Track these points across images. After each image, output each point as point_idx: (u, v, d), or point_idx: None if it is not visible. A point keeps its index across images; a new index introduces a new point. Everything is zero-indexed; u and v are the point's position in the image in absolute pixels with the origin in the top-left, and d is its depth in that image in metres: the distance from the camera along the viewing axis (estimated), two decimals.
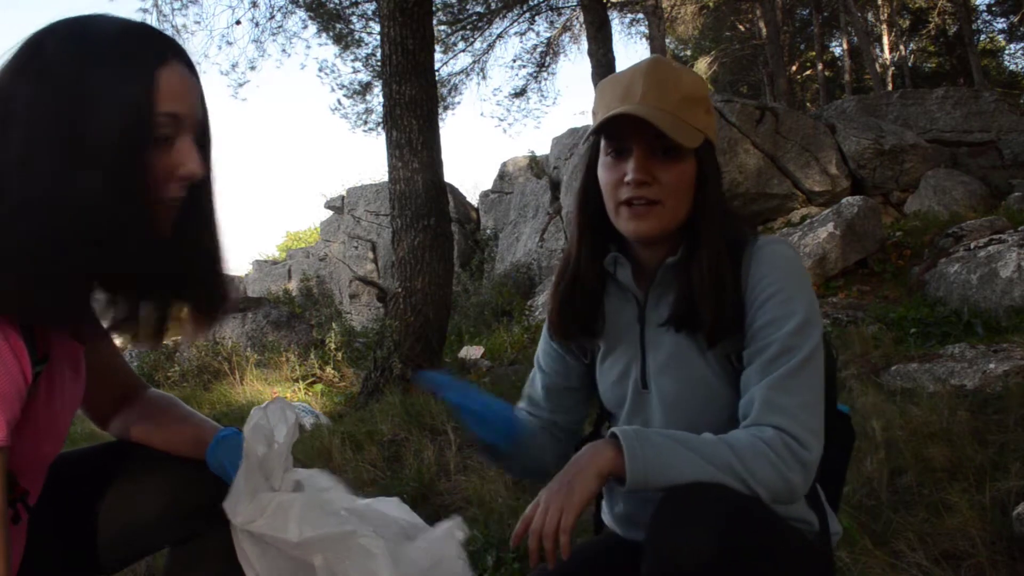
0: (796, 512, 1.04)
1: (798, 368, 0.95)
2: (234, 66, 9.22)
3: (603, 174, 1.06)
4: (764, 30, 17.66)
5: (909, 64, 21.66)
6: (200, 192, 0.96)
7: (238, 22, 8.64)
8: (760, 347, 0.98)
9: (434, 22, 6.75)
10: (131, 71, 0.87)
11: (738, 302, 1.01)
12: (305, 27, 10.43)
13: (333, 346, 6.14)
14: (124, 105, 0.85)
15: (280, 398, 1.09)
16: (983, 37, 21.80)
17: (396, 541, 1.03)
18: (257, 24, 8.80)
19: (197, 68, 0.96)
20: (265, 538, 0.96)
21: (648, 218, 1.02)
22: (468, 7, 11.07)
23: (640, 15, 14.31)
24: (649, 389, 1.09)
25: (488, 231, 11.86)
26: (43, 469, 0.98)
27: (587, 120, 13.89)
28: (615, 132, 1.03)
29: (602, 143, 1.07)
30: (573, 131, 10.58)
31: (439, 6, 10.48)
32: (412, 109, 4.56)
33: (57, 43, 0.86)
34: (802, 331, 0.97)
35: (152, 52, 0.89)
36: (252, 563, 0.97)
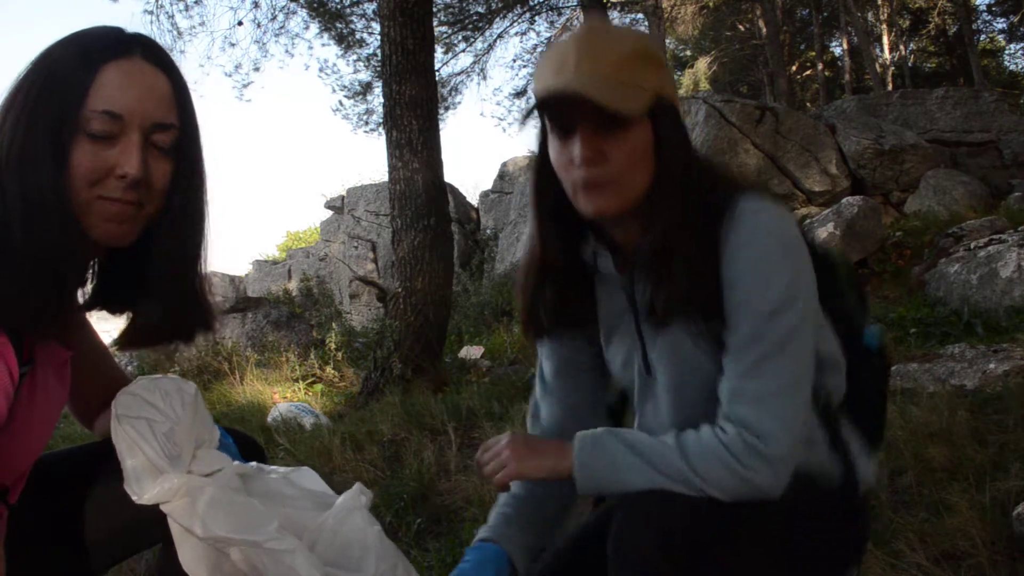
0: (811, 465, 1.00)
1: (769, 354, 0.91)
2: (237, 67, 9.24)
3: (554, 157, 0.98)
4: (764, 30, 17.66)
5: (909, 64, 21.65)
6: (177, 202, 0.94)
7: (240, 23, 8.64)
8: (732, 331, 0.93)
9: (434, 22, 6.75)
10: (75, 66, 0.86)
11: (712, 276, 0.93)
12: (307, 28, 10.44)
13: (333, 346, 6.14)
14: (54, 101, 0.85)
15: (172, 376, 1.06)
16: (983, 37, 21.80)
17: (313, 517, 1.04)
18: (259, 25, 8.81)
19: (177, 71, 0.94)
20: (178, 522, 0.94)
21: (605, 196, 0.94)
22: (468, 7, 11.07)
23: (640, 15, 14.32)
24: (653, 375, 1.06)
25: (488, 231, 11.85)
26: (21, 468, 0.97)
27: None
28: (555, 111, 0.95)
29: (547, 122, 0.98)
30: None
31: (439, 6, 10.48)
32: (412, 109, 4.56)
33: (46, 47, 0.89)
34: (777, 314, 0.90)
35: (106, 48, 0.88)
36: (176, 542, 0.95)
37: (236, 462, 1.06)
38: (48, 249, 0.84)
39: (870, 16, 20.77)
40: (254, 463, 1.10)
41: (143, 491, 0.93)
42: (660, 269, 0.95)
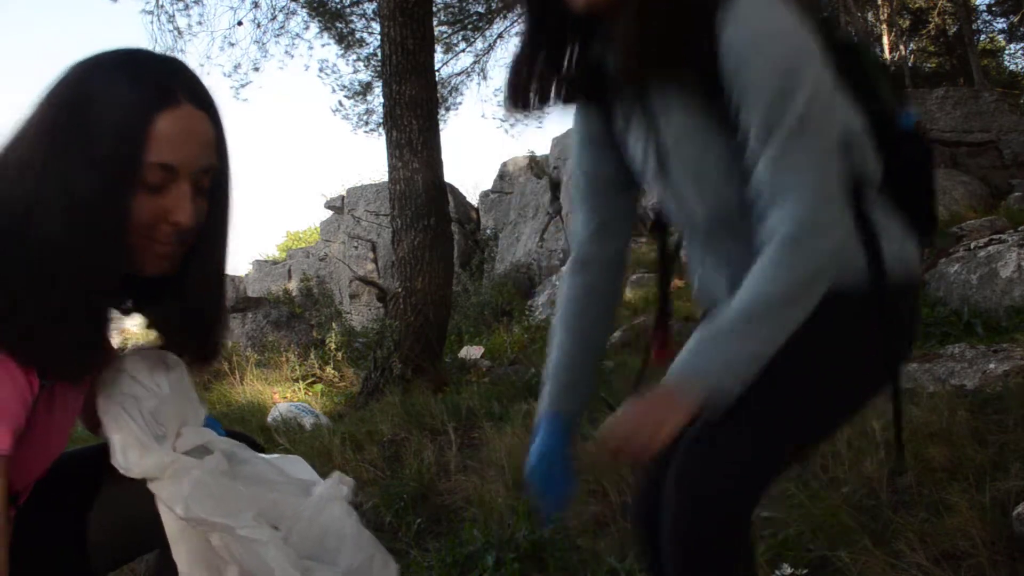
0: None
1: (789, 139, 0.90)
2: (236, 67, 9.21)
3: None
4: None
5: (909, 64, 21.65)
6: (208, 230, 0.98)
7: (240, 23, 8.63)
8: (747, 124, 0.93)
9: (434, 22, 6.76)
10: (128, 116, 0.86)
11: (697, 37, 0.94)
12: (307, 28, 10.43)
13: (333, 346, 6.14)
14: (112, 152, 0.85)
15: (158, 351, 1.07)
16: (983, 37, 21.79)
17: (295, 505, 1.03)
18: (259, 25, 8.79)
19: (216, 109, 0.95)
20: (162, 501, 0.95)
21: None
22: (468, 7, 11.07)
23: None
24: (669, 169, 1.07)
25: (488, 231, 11.87)
26: (35, 475, 0.99)
27: None
28: None
29: None
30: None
31: (439, 6, 10.47)
32: (412, 109, 4.56)
33: (76, 75, 0.89)
34: (786, 94, 0.90)
35: (156, 95, 0.88)
36: (173, 542, 0.96)
37: (222, 437, 1.06)
38: (101, 300, 0.89)
39: (870, 16, 20.77)
40: (237, 443, 1.11)
41: (131, 465, 0.93)
42: (632, 22, 0.95)
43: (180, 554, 0.96)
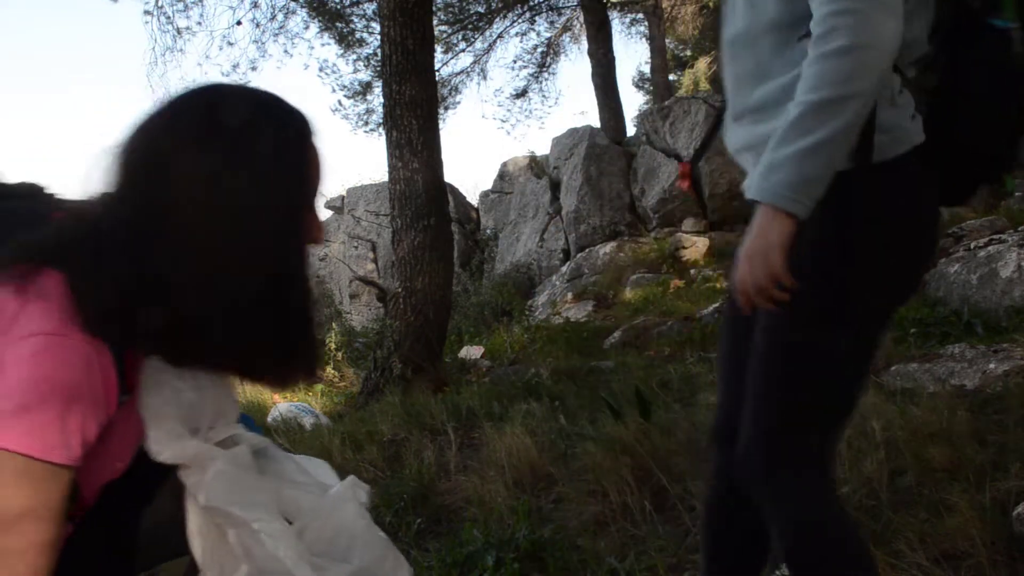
0: None
1: None
2: (235, 67, 9.23)
3: None
4: None
5: None
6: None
7: (239, 23, 8.63)
8: None
9: (435, 22, 6.76)
10: (298, 141, 0.94)
11: None
12: (307, 27, 10.43)
13: (333, 346, 6.15)
14: (295, 172, 0.93)
15: None
16: None
17: (311, 504, 1.04)
18: (258, 25, 8.80)
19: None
20: (188, 490, 0.96)
21: None
22: (468, 7, 11.08)
23: (640, 15, 14.35)
24: None
25: (488, 231, 11.86)
26: (99, 485, 1.00)
27: (587, 120, 13.84)
28: None
29: None
30: (573, 131, 10.57)
31: (440, 6, 10.48)
32: (412, 109, 4.56)
33: (234, 114, 0.91)
34: None
35: (306, 124, 0.97)
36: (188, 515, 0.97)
37: (251, 434, 1.07)
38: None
39: None
40: (267, 440, 1.12)
41: (162, 451, 0.95)
42: None
43: (196, 548, 0.97)
